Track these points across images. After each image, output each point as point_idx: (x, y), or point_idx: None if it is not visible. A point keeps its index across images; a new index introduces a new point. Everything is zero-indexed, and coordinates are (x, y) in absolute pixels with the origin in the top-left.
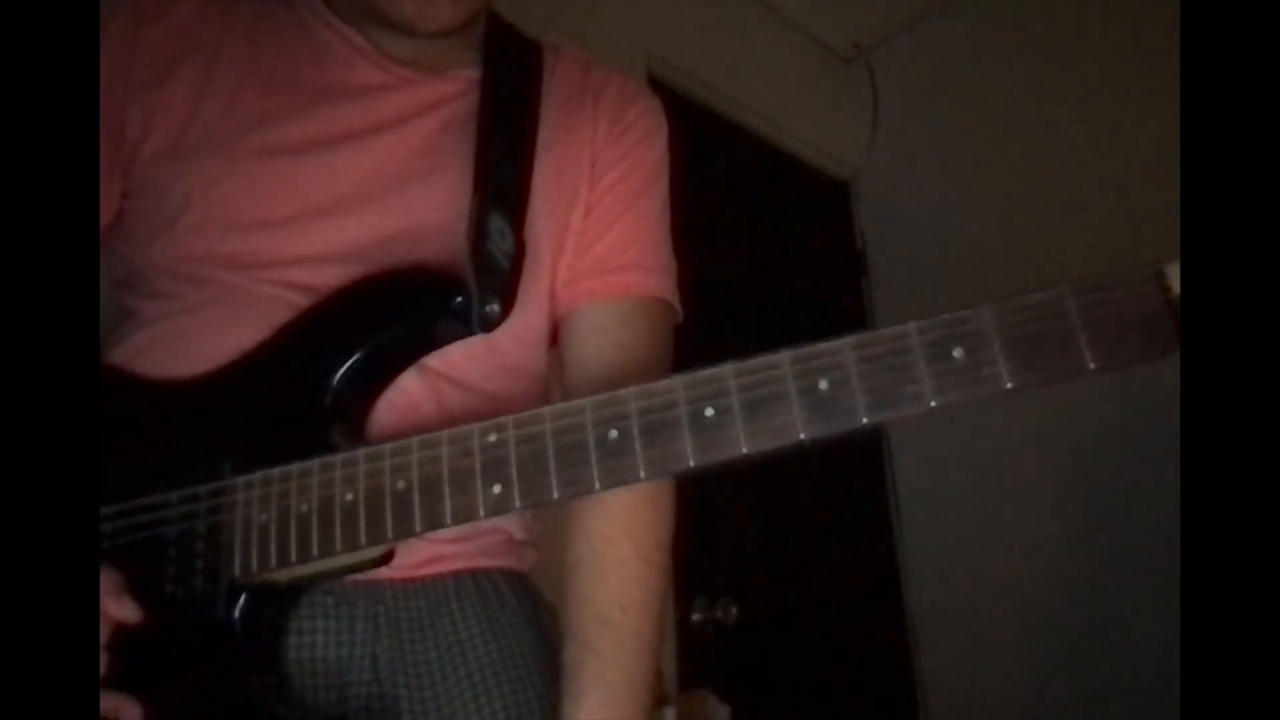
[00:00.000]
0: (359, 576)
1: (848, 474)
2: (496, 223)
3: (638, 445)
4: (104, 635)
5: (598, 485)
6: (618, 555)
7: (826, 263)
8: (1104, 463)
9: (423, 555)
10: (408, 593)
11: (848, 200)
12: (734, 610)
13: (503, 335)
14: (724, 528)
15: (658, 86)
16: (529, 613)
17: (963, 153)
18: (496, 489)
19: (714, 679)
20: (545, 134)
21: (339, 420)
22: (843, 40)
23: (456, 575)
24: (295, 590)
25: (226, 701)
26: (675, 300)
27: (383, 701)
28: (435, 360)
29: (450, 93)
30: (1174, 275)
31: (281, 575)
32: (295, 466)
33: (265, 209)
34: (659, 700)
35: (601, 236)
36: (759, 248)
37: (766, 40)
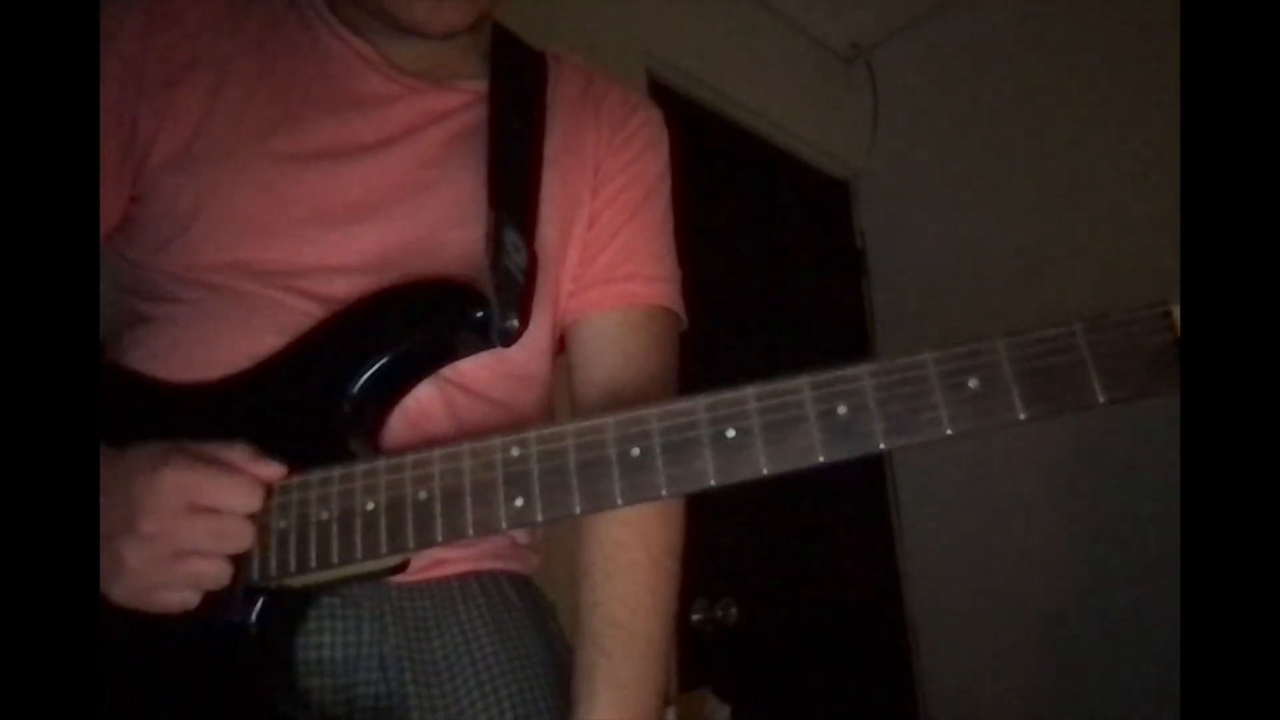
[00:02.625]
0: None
1: (848, 475)
2: (511, 237)
3: (660, 463)
4: (255, 500)
5: (620, 501)
6: (629, 559)
7: (826, 263)
8: (1103, 464)
9: (427, 558)
10: (413, 594)
11: (848, 200)
12: (734, 610)
13: (514, 345)
14: (724, 528)
15: (657, 88)
16: (534, 614)
17: (963, 153)
18: (519, 502)
19: (714, 679)
20: (550, 144)
21: (356, 428)
22: (843, 40)
23: (461, 578)
24: (309, 594)
25: (235, 702)
26: (680, 308)
27: (390, 701)
28: (447, 370)
29: (457, 104)
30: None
31: (297, 580)
32: (315, 475)
33: (274, 218)
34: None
35: (606, 246)
36: (759, 248)
37: (766, 40)
